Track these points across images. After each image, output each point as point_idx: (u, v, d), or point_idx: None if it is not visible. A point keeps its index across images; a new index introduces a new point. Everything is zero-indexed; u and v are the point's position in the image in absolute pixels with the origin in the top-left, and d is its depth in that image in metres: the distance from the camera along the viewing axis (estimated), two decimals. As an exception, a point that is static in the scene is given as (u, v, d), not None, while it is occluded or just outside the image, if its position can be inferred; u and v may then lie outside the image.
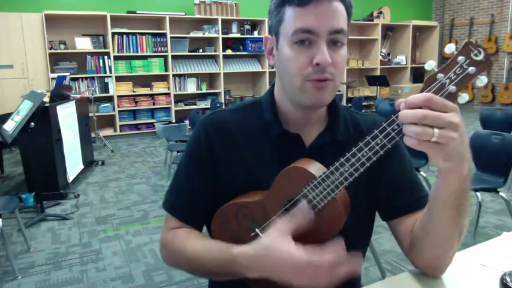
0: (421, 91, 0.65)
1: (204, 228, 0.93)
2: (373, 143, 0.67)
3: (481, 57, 0.62)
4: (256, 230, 0.80)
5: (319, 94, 0.78)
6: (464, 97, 0.64)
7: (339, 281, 0.67)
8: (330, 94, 0.80)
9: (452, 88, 0.63)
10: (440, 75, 0.64)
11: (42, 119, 3.32)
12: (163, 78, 6.94)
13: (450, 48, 0.65)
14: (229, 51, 7.18)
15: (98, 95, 6.33)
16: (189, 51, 6.94)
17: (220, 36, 7.00)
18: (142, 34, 6.60)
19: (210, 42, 7.25)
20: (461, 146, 0.64)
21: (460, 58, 0.63)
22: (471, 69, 0.62)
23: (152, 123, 6.89)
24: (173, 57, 6.83)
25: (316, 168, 0.75)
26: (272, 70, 7.10)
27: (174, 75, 6.90)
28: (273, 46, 0.84)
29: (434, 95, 0.62)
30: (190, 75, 7.09)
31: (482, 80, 0.63)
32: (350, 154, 0.69)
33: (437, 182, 0.72)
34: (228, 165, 0.88)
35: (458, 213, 0.73)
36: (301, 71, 0.77)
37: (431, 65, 0.65)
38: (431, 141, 0.61)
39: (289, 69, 0.79)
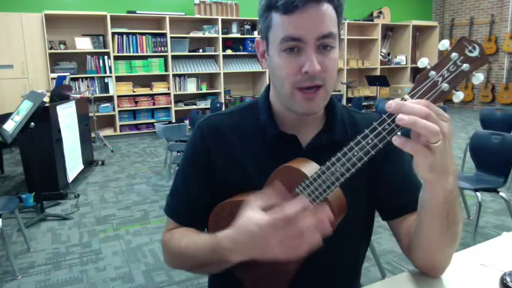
0: (412, 90, 0.63)
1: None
2: (363, 143, 0.65)
3: (475, 53, 0.60)
4: None
5: (308, 103, 0.77)
6: (458, 95, 0.61)
7: (316, 243, 0.64)
8: (322, 101, 0.79)
9: (445, 86, 0.61)
10: (432, 73, 0.62)
11: (42, 119, 3.32)
12: (163, 78, 6.94)
13: (444, 45, 0.61)
14: (229, 51, 7.18)
15: (98, 95, 6.32)
16: (189, 51, 6.94)
17: (220, 36, 7.00)
18: (142, 34, 6.59)
19: (210, 42, 7.25)
20: (447, 158, 0.62)
21: (454, 55, 0.60)
22: (465, 66, 0.60)
23: (152, 123, 6.89)
24: (173, 57, 6.82)
25: (309, 168, 0.74)
26: (272, 70, 7.12)
27: (174, 75, 6.90)
28: (265, 49, 0.83)
29: (432, 104, 0.60)
30: (190, 75, 7.09)
31: (478, 78, 0.60)
32: (341, 154, 0.67)
33: (423, 193, 0.72)
34: (224, 167, 0.88)
35: (447, 223, 0.72)
36: (291, 79, 0.76)
37: (424, 62, 0.63)
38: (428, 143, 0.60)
39: (279, 76, 0.78)
